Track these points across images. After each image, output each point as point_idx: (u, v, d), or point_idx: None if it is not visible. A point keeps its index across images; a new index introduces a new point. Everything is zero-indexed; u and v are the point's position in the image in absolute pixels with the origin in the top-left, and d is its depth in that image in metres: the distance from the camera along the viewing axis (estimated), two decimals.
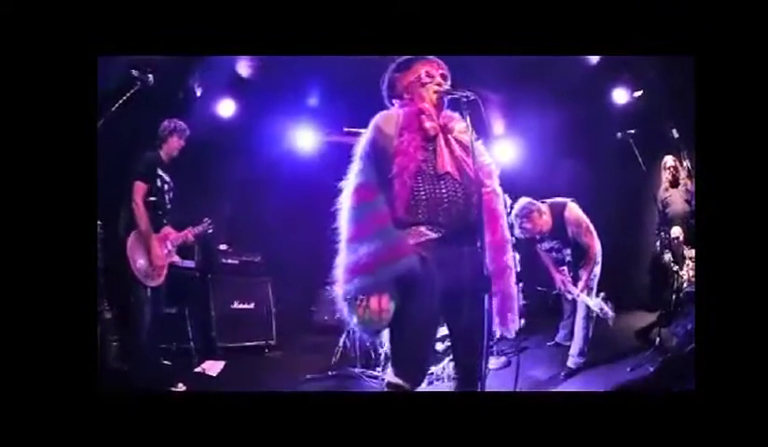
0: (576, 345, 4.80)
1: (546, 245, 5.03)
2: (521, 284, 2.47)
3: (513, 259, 2.53)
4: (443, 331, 4.10)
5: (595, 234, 4.74)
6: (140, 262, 4.27)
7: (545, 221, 4.80)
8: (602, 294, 4.61)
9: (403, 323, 2.25)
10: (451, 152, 2.42)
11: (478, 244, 2.33)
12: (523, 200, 4.84)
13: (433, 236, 2.30)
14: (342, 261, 2.25)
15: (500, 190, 2.53)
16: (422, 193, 2.31)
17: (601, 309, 4.49)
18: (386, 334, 2.35)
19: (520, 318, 2.53)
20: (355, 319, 2.19)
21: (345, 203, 2.32)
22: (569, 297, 5.06)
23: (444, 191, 2.34)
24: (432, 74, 2.51)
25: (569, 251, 4.92)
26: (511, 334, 2.51)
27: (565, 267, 4.96)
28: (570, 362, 4.79)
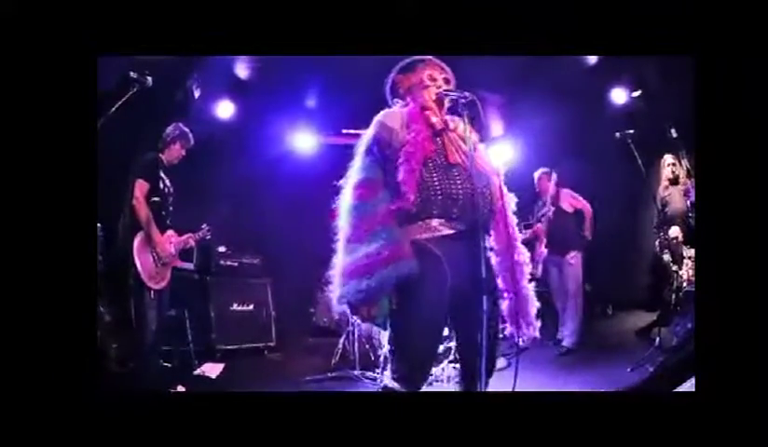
0: (568, 325, 5.75)
1: (543, 209, 6.10)
2: (534, 284, 2.42)
3: (523, 257, 2.47)
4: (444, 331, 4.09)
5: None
6: (147, 263, 4.19)
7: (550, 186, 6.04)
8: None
9: (406, 326, 2.21)
10: (457, 146, 2.38)
11: (488, 243, 2.33)
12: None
13: (447, 232, 2.24)
14: (339, 262, 2.20)
15: (505, 189, 2.48)
16: (435, 182, 2.24)
17: None
18: (385, 336, 2.32)
19: (535, 322, 2.46)
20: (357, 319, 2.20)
21: (344, 202, 2.26)
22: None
23: (458, 182, 2.27)
24: (434, 78, 2.51)
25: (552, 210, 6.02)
26: (526, 342, 2.47)
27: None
28: (566, 342, 5.70)
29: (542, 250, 5.93)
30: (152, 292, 4.20)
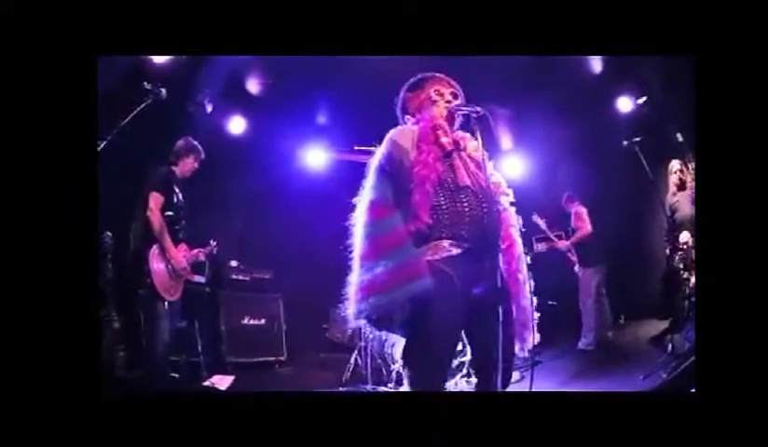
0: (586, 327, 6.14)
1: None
2: (535, 298, 2.44)
3: (525, 274, 2.49)
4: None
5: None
6: (162, 275, 4.19)
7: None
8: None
9: (421, 341, 2.24)
10: (466, 167, 2.41)
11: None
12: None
13: (457, 251, 2.27)
14: (354, 279, 2.22)
15: (512, 208, 2.53)
16: (443, 205, 2.29)
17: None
18: (399, 350, 2.33)
19: (535, 333, 2.48)
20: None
21: (359, 219, 2.28)
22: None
23: (465, 204, 2.31)
24: (441, 93, 2.53)
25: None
26: (524, 351, 2.48)
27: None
28: (581, 344, 6.08)
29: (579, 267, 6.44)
30: (165, 304, 4.20)
